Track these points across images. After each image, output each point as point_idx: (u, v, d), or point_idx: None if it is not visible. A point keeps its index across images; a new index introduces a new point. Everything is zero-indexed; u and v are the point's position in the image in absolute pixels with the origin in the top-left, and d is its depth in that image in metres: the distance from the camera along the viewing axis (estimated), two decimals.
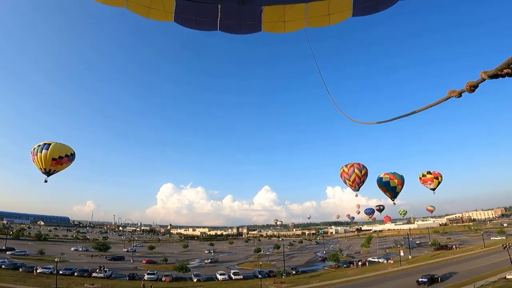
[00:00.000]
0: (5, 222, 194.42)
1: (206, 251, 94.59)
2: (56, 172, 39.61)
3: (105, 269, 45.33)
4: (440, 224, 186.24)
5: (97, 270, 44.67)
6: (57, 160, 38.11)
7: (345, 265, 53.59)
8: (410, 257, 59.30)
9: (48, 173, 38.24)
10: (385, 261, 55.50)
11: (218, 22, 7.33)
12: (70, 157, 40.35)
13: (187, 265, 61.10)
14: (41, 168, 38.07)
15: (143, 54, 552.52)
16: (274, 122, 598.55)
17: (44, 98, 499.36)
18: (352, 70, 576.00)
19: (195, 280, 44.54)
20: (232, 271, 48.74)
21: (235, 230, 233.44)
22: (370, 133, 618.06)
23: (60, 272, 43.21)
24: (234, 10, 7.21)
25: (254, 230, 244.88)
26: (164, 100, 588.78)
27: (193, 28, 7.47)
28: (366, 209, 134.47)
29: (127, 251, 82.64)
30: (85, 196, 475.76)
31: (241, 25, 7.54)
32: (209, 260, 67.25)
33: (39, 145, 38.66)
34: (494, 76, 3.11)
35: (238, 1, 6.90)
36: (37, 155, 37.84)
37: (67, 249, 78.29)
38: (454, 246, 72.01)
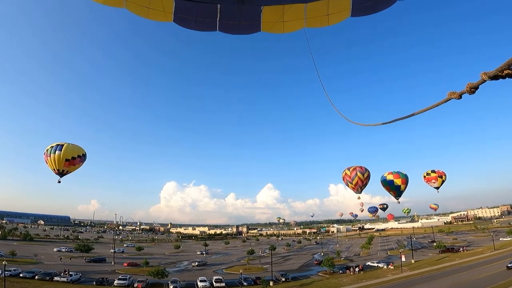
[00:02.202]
0: (4, 221, 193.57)
1: (198, 252, 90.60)
2: (69, 173, 39.57)
3: (70, 273, 41.56)
4: (445, 223, 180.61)
5: (61, 274, 40.88)
6: (70, 161, 38.48)
7: (341, 271, 48.61)
8: (412, 261, 54.16)
9: (62, 173, 38.50)
10: (385, 266, 50.47)
11: (218, 22, 7.30)
12: (82, 157, 40.63)
13: (173, 268, 57.65)
14: (54, 169, 38.30)
15: (144, 51, 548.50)
16: (276, 120, 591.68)
17: (48, 96, 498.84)
18: (354, 66, 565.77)
19: (171, 287, 40.14)
20: (214, 278, 44.22)
21: (234, 229, 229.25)
22: (372, 130, 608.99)
23: (21, 275, 40.16)
24: (233, 10, 7.19)
25: (254, 229, 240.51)
26: (167, 98, 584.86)
27: (192, 28, 7.42)
28: (369, 208, 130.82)
29: (115, 252, 78.68)
30: (90, 195, 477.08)
31: (240, 25, 7.53)
32: (197, 263, 62.80)
33: (52, 146, 38.86)
34: (495, 77, 3.15)
35: (237, 1, 6.94)
36: (50, 156, 38.06)
37: (49, 250, 75.11)
38: (461, 249, 66.58)
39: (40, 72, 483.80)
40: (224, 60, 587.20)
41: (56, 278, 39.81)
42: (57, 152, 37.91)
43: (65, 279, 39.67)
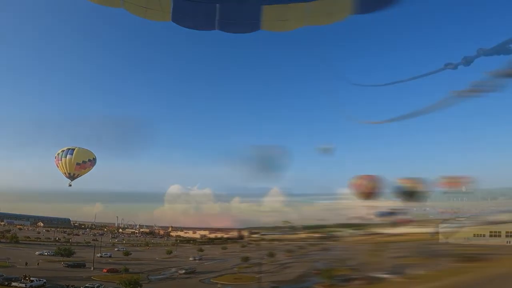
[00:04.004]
0: (3, 223, 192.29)
1: (191, 258, 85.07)
2: (79, 176, 40.25)
3: (32, 279, 38.88)
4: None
5: (21, 280, 38.40)
6: (81, 165, 39.50)
7: (341, 283, 42.01)
8: (426, 272, 47.29)
9: (72, 177, 39.28)
10: (393, 279, 43.75)
11: (216, 21, 7.29)
12: (93, 161, 41.84)
13: (157, 276, 54.21)
14: (65, 173, 39.19)
15: (144, 48, 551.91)
16: (277, 121, 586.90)
17: (49, 96, 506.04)
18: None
19: None
20: None
21: (236, 233, 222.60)
22: (386, 132, 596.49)
23: None
24: (232, 9, 7.24)
25: (256, 233, 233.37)
26: (167, 98, 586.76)
27: (191, 27, 7.56)
28: (381, 212, 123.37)
29: (101, 256, 74.41)
30: (94, 197, 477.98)
31: (239, 24, 7.54)
32: (184, 271, 57.04)
33: (63, 150, 39.77)
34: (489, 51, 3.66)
35: (237, 0, 7.25)
36: (61, 160, 39.03)
37: (32, 253, 70.67)
38: (485, 257, 58.81)
39: (39, 70, 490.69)
40: (225, 60, 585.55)
41: (14, 284, 37.67)
42: (68, 156, 38.73)
43: (23, 285, 37.28)
